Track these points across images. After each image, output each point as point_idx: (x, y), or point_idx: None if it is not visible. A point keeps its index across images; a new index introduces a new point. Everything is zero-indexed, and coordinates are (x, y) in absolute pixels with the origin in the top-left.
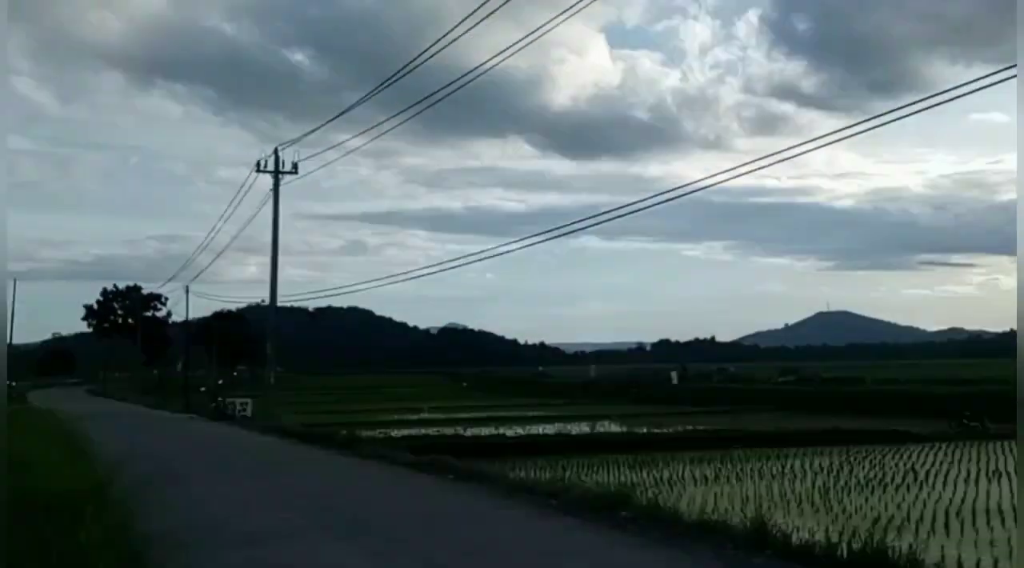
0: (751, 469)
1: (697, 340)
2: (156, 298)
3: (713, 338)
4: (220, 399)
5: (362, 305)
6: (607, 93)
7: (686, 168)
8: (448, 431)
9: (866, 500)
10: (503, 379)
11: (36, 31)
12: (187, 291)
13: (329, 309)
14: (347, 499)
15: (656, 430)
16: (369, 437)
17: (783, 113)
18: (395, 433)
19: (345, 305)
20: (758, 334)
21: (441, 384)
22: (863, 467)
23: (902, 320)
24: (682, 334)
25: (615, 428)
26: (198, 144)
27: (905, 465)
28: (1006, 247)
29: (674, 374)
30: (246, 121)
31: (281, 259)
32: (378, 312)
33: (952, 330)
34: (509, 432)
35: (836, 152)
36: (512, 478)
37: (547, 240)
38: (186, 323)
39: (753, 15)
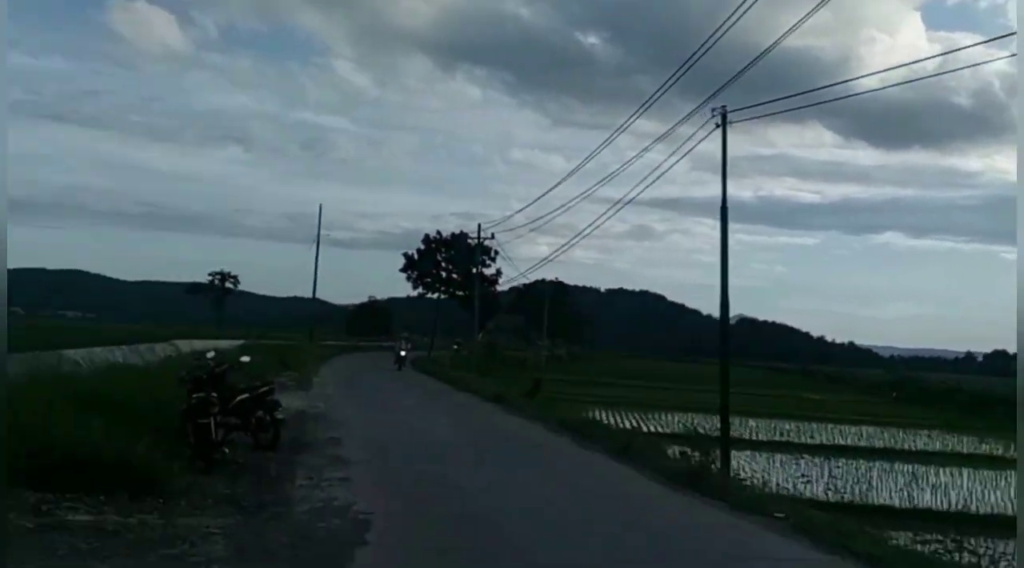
0: None
1: None
2: (485, 251)
3: None
4: None
5: (653, 290)
6: (921, 77)
7: (1010, 162)
8: None
9: None
10: (979, 397)
11: (356, 17)
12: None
13: (621, 291)
14: None
15: None
16: None
17: None
18: None
19: (637, 288)
20: None
21: (826, 389)
22: None
23: None
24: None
25: None
26: (495, 126)
27: None
28: None
29: None
30: (540, 103)
31: None
32: (671, 298)
33: None
34: None
35: None
36: None
37: None
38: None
39: None
